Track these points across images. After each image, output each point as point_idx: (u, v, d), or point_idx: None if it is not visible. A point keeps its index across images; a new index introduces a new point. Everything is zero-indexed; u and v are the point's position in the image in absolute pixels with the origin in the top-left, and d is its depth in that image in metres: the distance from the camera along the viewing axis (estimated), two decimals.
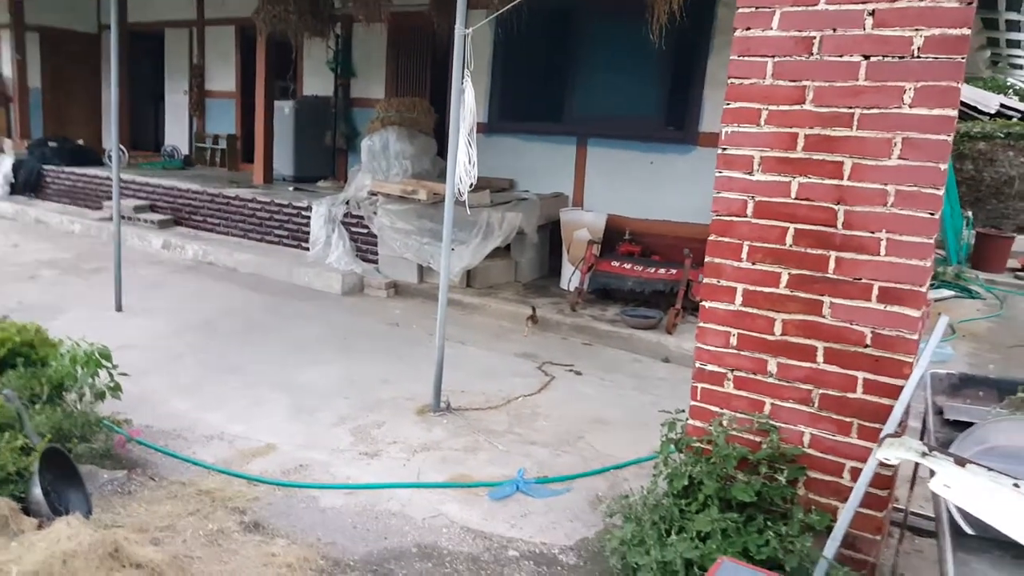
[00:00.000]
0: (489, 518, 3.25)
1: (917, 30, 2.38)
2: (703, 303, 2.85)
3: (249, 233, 8.54)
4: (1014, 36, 8.37)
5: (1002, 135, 14.23)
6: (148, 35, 12.10)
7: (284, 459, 3.68)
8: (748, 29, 2.66)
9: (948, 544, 1.76)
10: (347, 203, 7.75)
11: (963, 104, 14.71)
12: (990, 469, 1.73)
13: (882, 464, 2.09)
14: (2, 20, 12.00)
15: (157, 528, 2.96)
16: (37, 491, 2.81)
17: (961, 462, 1.78)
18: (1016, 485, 1.67)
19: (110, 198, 7.40)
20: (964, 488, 1.70)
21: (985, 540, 1.83)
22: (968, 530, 1.87)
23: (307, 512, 3.22)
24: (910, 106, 2.41)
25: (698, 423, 2.90)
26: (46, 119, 12.52)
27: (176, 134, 12.09)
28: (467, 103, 4.13)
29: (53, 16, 12.06)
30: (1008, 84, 15.26)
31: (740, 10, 2.67)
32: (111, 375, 3.55)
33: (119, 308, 6.01)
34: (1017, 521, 1.63)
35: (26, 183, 10.78)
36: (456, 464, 3.73)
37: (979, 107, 15.01)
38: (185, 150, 11.91)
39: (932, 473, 1.84)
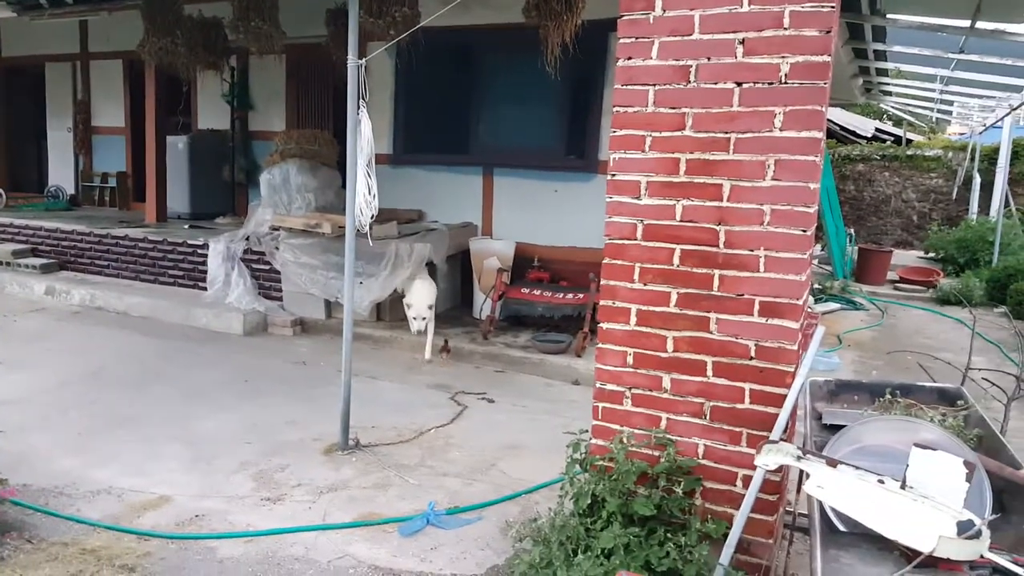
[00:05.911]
0: (398, 554, 3.17)
1: (784, 57, 2.52)
2: (601, 324, 2.91)
3: (141, 275, 8.15)
4: (882, 65, 9.03)
5: (878, 157, 15.27)
6: (26, 70, 11.48)
7: (179, 511, 3.49)
8: (630, 59, 2.75)
9: (818, 542, 1.84)
10: (247, 239, 7.52)
11: (843, 128, 15.73)
12: (857, 468, 1.82)
13: (771, 470, 2.16)
14: None
15: None
16: None
17: (832, 463, 1.87)
18: (880, 481, 1.77)
19: None
20: (836, 488, 1.79)
21: (855, 536, 1.92)
22: (841, 527, 1.95)
23: (203, 564, 3.06)
24: (780, 129, 2.54)
25: (600, 441, 2.93)
26: None
27: (61, 173, 11.46)
28: (364, 134, 4.11)
29: None
30: (882, 109, 16.43)
31: (621, 40, 2.76)
32: None
33: None
34: (880, 515, 1.72)
35: None
36: (365, 503, 3.63)
37: (858, 131, 16.07)
38: (71, 190, 11.30)
39: (807, 475, 1.92)
